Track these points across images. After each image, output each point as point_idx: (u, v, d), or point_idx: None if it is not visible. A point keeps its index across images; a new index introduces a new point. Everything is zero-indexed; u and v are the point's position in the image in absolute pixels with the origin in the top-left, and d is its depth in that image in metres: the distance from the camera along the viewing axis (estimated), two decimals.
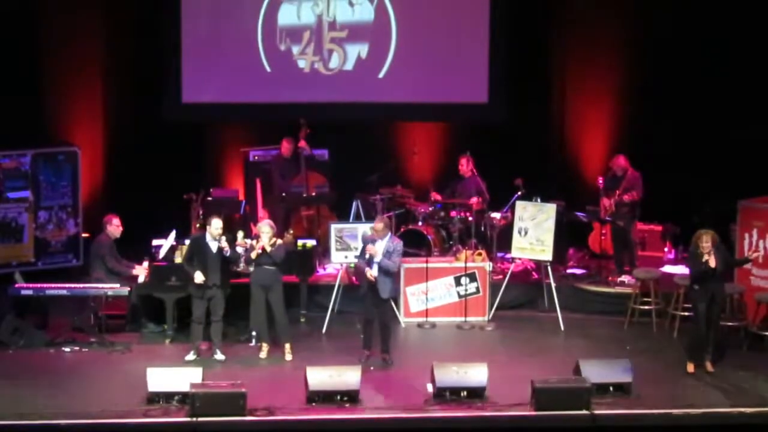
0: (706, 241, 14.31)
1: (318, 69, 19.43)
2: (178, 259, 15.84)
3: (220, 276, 14.96)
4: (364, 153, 19.10)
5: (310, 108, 18.98)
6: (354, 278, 16.65)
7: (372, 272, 14.69)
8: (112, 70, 19.07)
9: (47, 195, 17.59)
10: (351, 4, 19.35)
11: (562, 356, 14.92)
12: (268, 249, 14.87)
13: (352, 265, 16.26)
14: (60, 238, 17.73)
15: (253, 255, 14.94)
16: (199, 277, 14.80)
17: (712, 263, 14.26)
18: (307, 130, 18.18)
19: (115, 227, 16.10)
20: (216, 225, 14.90)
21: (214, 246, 14.93)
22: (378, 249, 14.69)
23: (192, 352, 14.95)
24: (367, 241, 14.94)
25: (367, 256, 14.74)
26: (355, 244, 16.06)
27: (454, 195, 18.09)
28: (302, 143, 18.17)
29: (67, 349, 15.34)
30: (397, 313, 16.55)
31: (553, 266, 17.01)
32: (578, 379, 13.51)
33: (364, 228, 16.02)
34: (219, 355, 15.00)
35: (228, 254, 14.95)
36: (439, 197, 18.04)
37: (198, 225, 16.90)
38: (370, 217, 17.45)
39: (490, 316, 16.76)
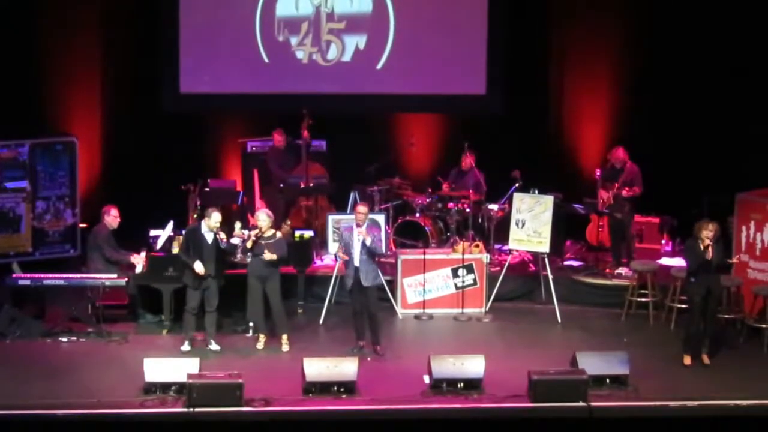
0: (710, 230, 14.26)
1: (316, 60, 19.42)
2: (175, 250, 15.83)
3: (215, 267, 14.97)
4: (362, 144, 19.10)
5: (308, 99, 18.96)
6: None
7: (343, 254, 14.79)
8: (111, 61, 19.06)
9: (45, 185, 17.58)
10: None
11: (559, 348, 14.91)
12: (264, 235, 14.88)
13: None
14: (57, 228, 17.73)
15: (249, 244, 14.95)
16: (199, 267, 14.80)
17: (710, 255, 14.26)
18: (309, 120, 18.17)
19: (113, 218, 16.09)
20: (215, 218, 14.91)
21: (209, 237, 14.94)
22: (365, 231, 14.74)
23: (186, 343, 14.96)
24: (344, 230, 15.01)
25: (360, 239, 14.74)
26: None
27: (452, 187, 18.08)
28: (305, 134, 18.15)
29: (64, 339, 15.35)
30: (394, 303, 16.58)
31: (551, 258, 17.01)
32: (575, 371, 13.52)
33: None
34: (214, 346, 15.01)
35: (225, 246, 14.97)
36: (447, 186, 18.00)
37: (195, 216, 16.90)
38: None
39: (487, 307, 16.77)
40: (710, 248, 14.25)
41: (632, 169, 17.33)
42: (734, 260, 15.34)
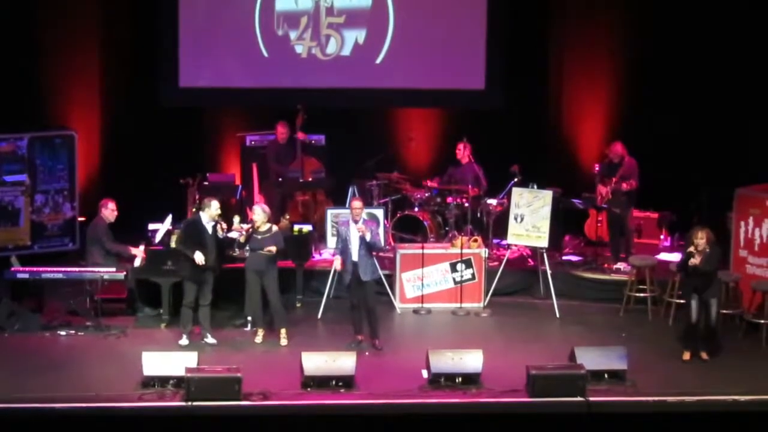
0: (700, 238, 14.31)
1: (315, 54, 19.41)
2: (174, 244, 15.82)
3: (214, 259, 14.97)
4: (361, 138, 19.11)
5: (307, 93, 18.97)
6: None
7: (338, 263, 14.86)
8: (110, 54, 19.07)
9: (44, 179, 17.59)
10: None
11: (558, 343, 14.94)
12: (260, 230, 14.88)
13: None
14: (56, 221, 17.73)
15: (242, 239, 14.96)
16: (200, 257, 14.78)
17: (696, 261, 14.27)
18: (303, 116, 18.17)
19: (110, 211, 16.07)
20: (215, 207, 14.93)
21: (210, 228, 14.94)
22: (364, 228, 14.74)
23: (185, 337, 14.95)
24: (341, 225, 15.00)
25: (359, 234, 14.73)
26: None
27: (451, 181, 18.08)
28: (300, 135, 18.15)
29: (63, 333, 15.34)
30: (392, 297, 16.59)
31: (549, 253, 17.01)
32: (573, 366, 13.53)
33: None
34: (210, 339, 15.00)
35: (223, 236, 14.97)
36: (434, 184, 18.02)
37: (194, 209, 16.88)
38: (366, 203, 17.42)
39: (486, 302, 16.76)
40: (698, 255, 14.25)
41: (630, 163, 17.33)
42: (694, 262, 14.88)
